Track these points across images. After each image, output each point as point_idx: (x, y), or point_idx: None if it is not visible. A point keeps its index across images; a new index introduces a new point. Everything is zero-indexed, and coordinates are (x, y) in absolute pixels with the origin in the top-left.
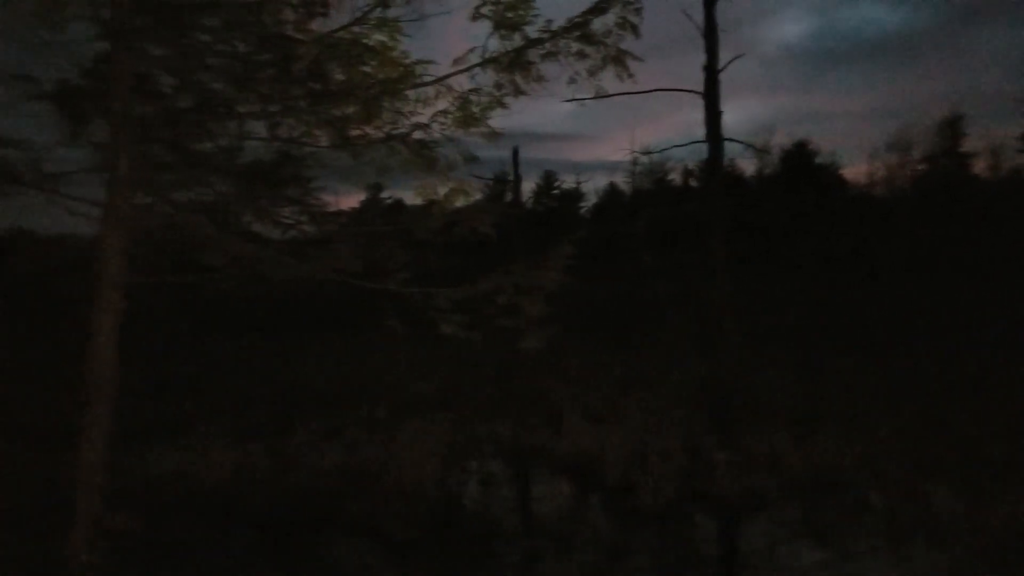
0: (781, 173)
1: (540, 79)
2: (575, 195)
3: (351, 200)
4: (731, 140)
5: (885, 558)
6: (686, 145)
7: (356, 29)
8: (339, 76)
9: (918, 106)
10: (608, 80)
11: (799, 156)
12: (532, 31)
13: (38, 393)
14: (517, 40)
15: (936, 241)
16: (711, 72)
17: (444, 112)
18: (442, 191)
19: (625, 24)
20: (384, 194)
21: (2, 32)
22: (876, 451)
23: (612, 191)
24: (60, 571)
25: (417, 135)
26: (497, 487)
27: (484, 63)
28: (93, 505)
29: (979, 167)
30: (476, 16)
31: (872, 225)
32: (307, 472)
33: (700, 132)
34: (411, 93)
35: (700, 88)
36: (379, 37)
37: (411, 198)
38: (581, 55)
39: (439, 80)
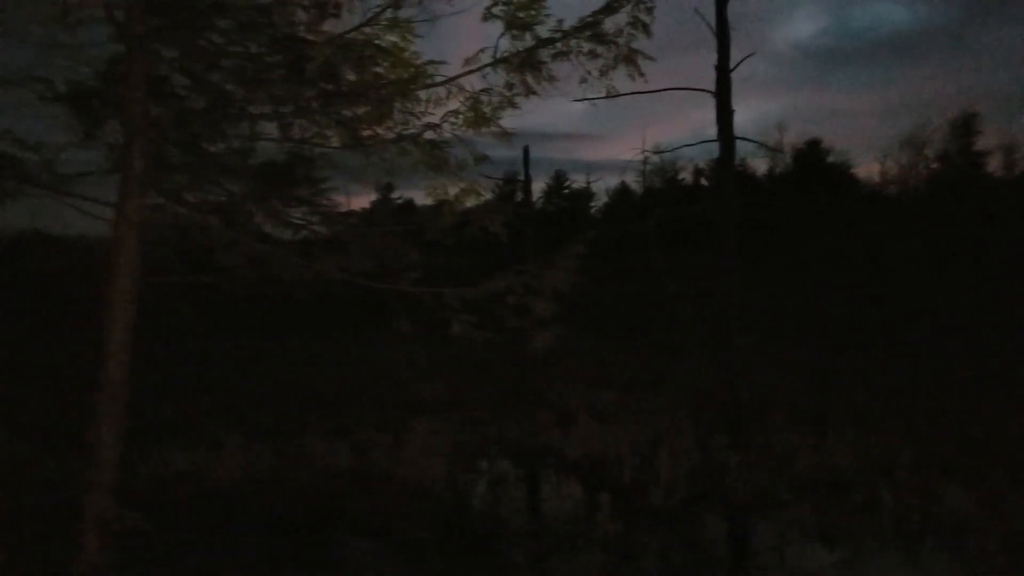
0: (793, 172)
1: (551, 79)
2: (586, 195)
3: (362, 200)
4: (743, 139)
5: (897, 558)
6: (697, 144)
7: (368, 30)
8: (351, 77)
9: (931, 104)
10: (619, 79)
11: (811, 155)
12: (543, 31)
13: (50, 393)
14: (528, 40)
15: (949, 240)
16: (722, 71)
17: (455, 112)
18: (453, 191)
19: (637, 23)
20: (395, 194)
21: (18, 35)
22: (888, 451)
23: (623, 191)
24: (69, 571)
25: (428, 135)
26: (505, 487)
27: (495, 63)
28: (103, 505)
29: (993, 165)
30: (487, 16)
31: (885, 224)
32: (315, 472)
33: (711, 131)
34: (422, 93)
35: (711, 87)
36: (391, 38)
37: (422, 198)
38: (592, 55)
39: (450, 80)
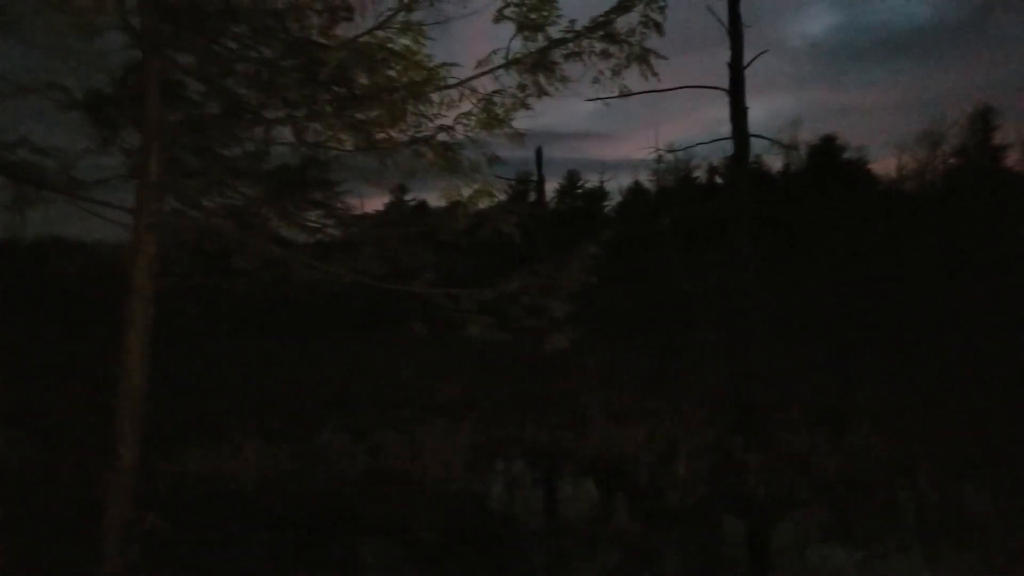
0: (808, 169)
1: (564, 79)
2: (599, 194)
3: (375, 203)
4: (757, 136)
5: (916, 558)
6: (711, 142)
7: (380, 33)
8: (364, 80)
9: (948, 99)
10: (632, 78)
11: (826, 151)
12: (555, 32)
13: (69, 396)
14: (540, 41)
15: (968, 236)
16: (736, 68)
17: (468, 114)
18: (466, 193)
19: (649, 22)
20: (408, 196)
21: (36, 43)
22: (907, 450)
23: (636, 189)
24: (90, 572)
25: (441, 137)
26: (521, 488)
27: (507, 65)
28: (124, 506)
29: (1011, 160)
30: (499, 18)
31: (902, 220)
32: (333, 473)
33: (725, 129)
34: (435, 96)
35: (725, 84)
36: (403, 41)
37: (435, 200)
38: (605, 54)
39: (463, 82)
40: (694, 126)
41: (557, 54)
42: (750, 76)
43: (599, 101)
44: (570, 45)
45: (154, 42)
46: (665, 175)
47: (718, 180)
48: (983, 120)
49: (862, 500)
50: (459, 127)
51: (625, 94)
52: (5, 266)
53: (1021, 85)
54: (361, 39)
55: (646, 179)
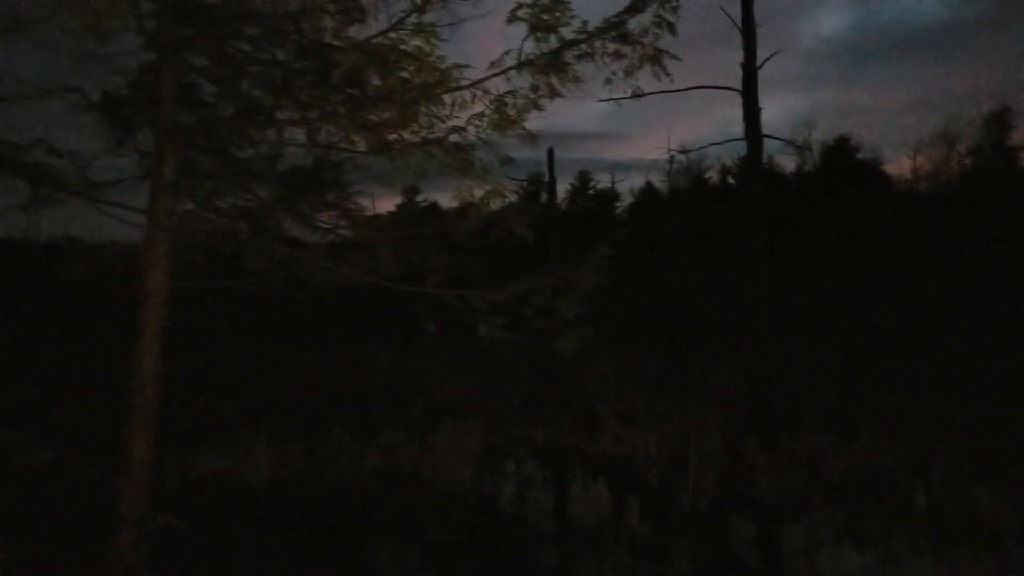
0: (822, 169)
1: (576, 80)
2: (611, 195)
3: (387, 204)
4: (770, 137)
5: (930, 562)
6: (724, 143)
7: (393, 35)
8: (376, 82)
9: (963, 99)
10: (644, 79)
11: (840, 152)
12: (568, 32)
13: (83, 396)
14: (553, 42)
15: (983, 237)
16: (749, 69)
17: (480, 115)
18: (478, 194)
19: (662, 23)
20: (420, 197)
21: (52, 46)
22: (920, 452)
23: (648, 190)
24: (104, 571)
25: (453, 139)
26: (533, 489)
27: (520, 66)
28: (138, 507)
29: None
30: (512, 19)
31: (916, 221)
32: (344, 473)
33: (738, 129)
34: (447, 97)
35: (738, 85)
36: (416, 42)
37: (447, 201)
38: (617, 55)
39: (475, 84)
40: (707, 126)
41: (570, 55)
42: (763, 76)
43: (611, 102)
44: (583, 46)
45: (168, 45)
46: (677, 176)
47: (731, 181)
48: (999, 120)
49: (874, 502)
50: (471, 128)
51: (638, 95)
52: (20, 266)
53: None
54: (374, 41)
55: (658, 180)
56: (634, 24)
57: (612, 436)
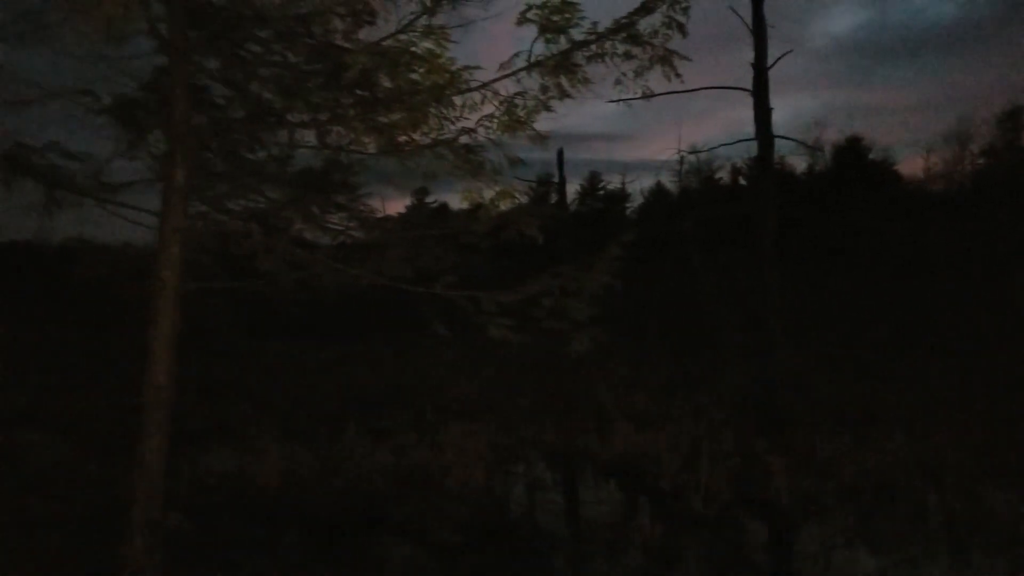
0: (833, 169)
1: (586, 81)
2: (621, 196)
3: (397, 205)
4: (781, 137)
5: (944, 565)
6: (735, 143)
7: (403, 37)
8: (387, 84)
9: (976, 98)
10: (655, 79)
11: (852, 152)
12: (578, 34)
13: (96, 397)
14: (563, 43)
15: (996, 236)
16: (760, 69)
17: (490, 116)
18: (488, 195)
19: (672, 24)
20: (429, 198)
21: (65, 49)
22: (934, 454)
23: (658, 191)
24: (116, 572)
25: (463, 140)
26: (544, 491)
27: (530, 67)
28: (151, 507)
29: None
30: (522, 20)
31: (928, 222)
32: (355, 474)
33: (748, 129)
34: (457, 98)
35: (748, 85)
36: (426, 44)
37: (457, 202)
38: (628, 56)
39: (485, 85)
40: (717, 127)
41: (580, 56)
42: (774, 76)
43: (621, 102)
44: (593, 47)
45: (181, 48)
46: (688, 176)
47: (741, 181)
48: (1012, 119)
49: (888, 504)
50: (481, 129)
51: (648, 95)
52: (33, 268)
53: None
54: (384, 43)
55: (668, 180)
56: (644, 25)
57: (623, 437)
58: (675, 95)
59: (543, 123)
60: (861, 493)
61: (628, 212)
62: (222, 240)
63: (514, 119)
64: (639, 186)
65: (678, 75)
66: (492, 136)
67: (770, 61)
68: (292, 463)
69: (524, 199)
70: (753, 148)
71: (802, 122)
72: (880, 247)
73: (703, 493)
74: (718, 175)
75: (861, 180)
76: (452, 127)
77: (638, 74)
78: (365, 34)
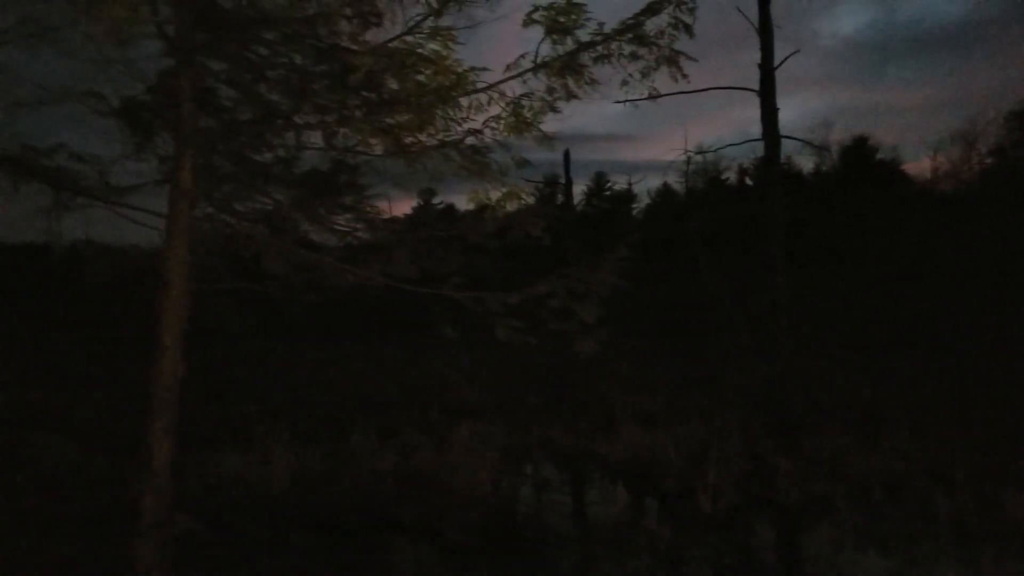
0: (840, 170)
1: (592, 82)
2: (627, 196)
3: (403, 206)
4: (788, 137)
5: (954, 565)
6: (741, 144)
7: (410, 39)
8: (393, 85)
9: (984, 97)
10: (661, 80)
11: (859, 152)
12: (584, 35)
13: (104, 399)
14: (569, 44)
15: (1004, 236)
16: (766, 69)
17: (496, 117)
18: (494, 196)
19: (678, 24)
20: (436, 199)
21: (72, 52)
22: (943, 455)
23: (665, 191)
24: (125, 573)
25: (470, 141)
26: (551, 491)
27: (536, 68)
28: (159, 509)
29: None
30: (528, 22)
31: (936, 222)
32: (364, 475)
33: (755, 130)
34: (464, 100)
35: (755, 85)
36: (432, 46)
37: (463, 203)
38: (634, 57)
39: (492, 86)
40: (724, 127)
41: (586, 57)
42: (781, 76)
43: (628, 103)
44: (599, 48)
45: (187, 50)
46: (694, 177)
47: (748, 182)
48: (1020, 119)
49: (897, 505)
50: (488, 131)
51: (654, 96)
52: (41, 271)
53: None
54: (391, 45)
55: (675, 181)
56: (650, 26)
57: (630, 438)
58: (681, 96)
59: (549, 124)
60: (869, 493)
61: (634, 213)
62: (229, 241)
63: (520, 120)
64: (645, 187)
65: (684, 76)
66: (498, 137)
67: (777, 61)
68: (300, 464)
69: (530, 200)
70: (760, 148)
71: (809, 122)
72: (887, 247)
73: (710, 494)
74: (725, 175)
75: (868, 180)
76: (458, 128)
77: (644, 75)
78: (372, 36)
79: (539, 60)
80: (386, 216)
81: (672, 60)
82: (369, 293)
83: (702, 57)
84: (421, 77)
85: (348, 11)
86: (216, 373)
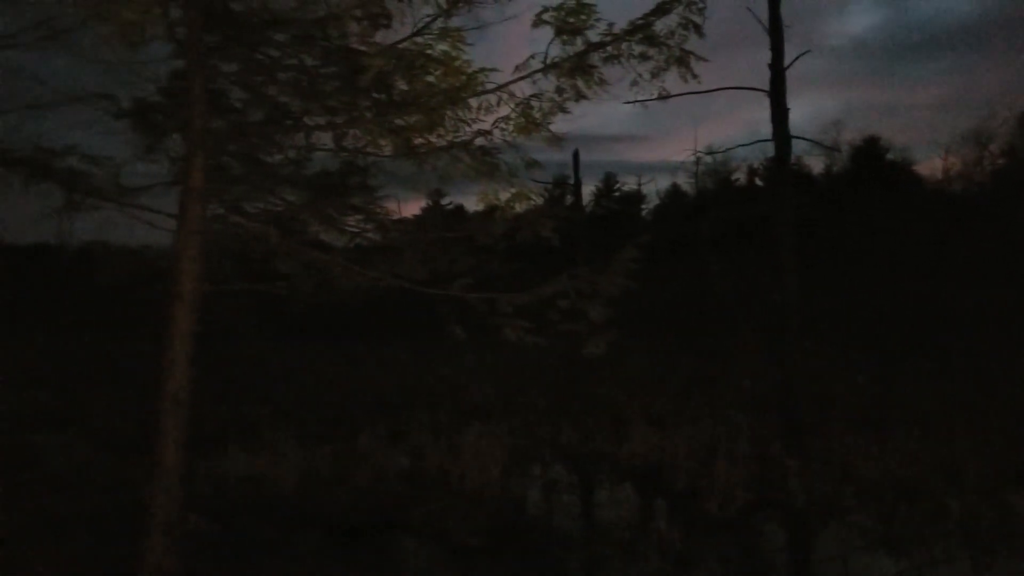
0: (851, 170)
1: (602, 82)
2: (637, 197)
3: (413, 207)
4: (798, 138)
5: (965, 568)
6: (751, 144)
7: (419, 40)
8: (403, 86)
9: (996, 97)
10: (671, 80)
11: (870, 152)
12: (594, 35)
13: (116, 399)
14: (579, 45)
15: (1017, 238)
16: (777, 69)
17: (506, 118)
18: (504, 196)
19: (688, 24)
20: (445, 200)
21: (84, 54)
22: (954, 456)
23: (675, 192)
24: (135, 572)
25: (479, 142)
26: (560, 492)
27: (546, 68)
28: (169, 509)
29: None
30: (538, 22)
31: (948, 223)
32: (372, 476)
33: (765, 130)
34: (473, 101)
35: (765, 85)
36: (442, 47)
37: (473, 204)
38: (644, 57)
39: (501, 87)
40: (733, 127)
41: (595, 57)
42: (791, 76)
43: (637, 104)
44: (609, 48)
45: (198, 52)
46: (704, 178)
47: (758, 182)
48: None
49: (907, 507)
50: (497, 131)
51: (664, 96)
52: (54, 271)
53: None
54: (400, 46)
55: (685, 182)
56: (660, 26)
57: (639, 439)
58: (691, 96)
59: (559, 125)
60: (880, 496)
61: (644, 213)
62: (239, 242)
63: (530, 121)
64: (655, 187)
65: (694, 76)
66: (508, 138)
67: (787, 61)
68: (310, 465)
69: (540, 201)
70: (770, 149)
71: (820, 122)
72: (898, 248)
73: (720, 495)
74: (735, 176)
75: (879, 180)
76: (468, 129)
77: (654, 75)
78: (381, 37)
79: (549, 61)
80: (395, 217)
81: (682, 60)
82: (379, 294)
83: (712, 57)
84: (431, 78)
85: (358, 12)
86: (226, 373)
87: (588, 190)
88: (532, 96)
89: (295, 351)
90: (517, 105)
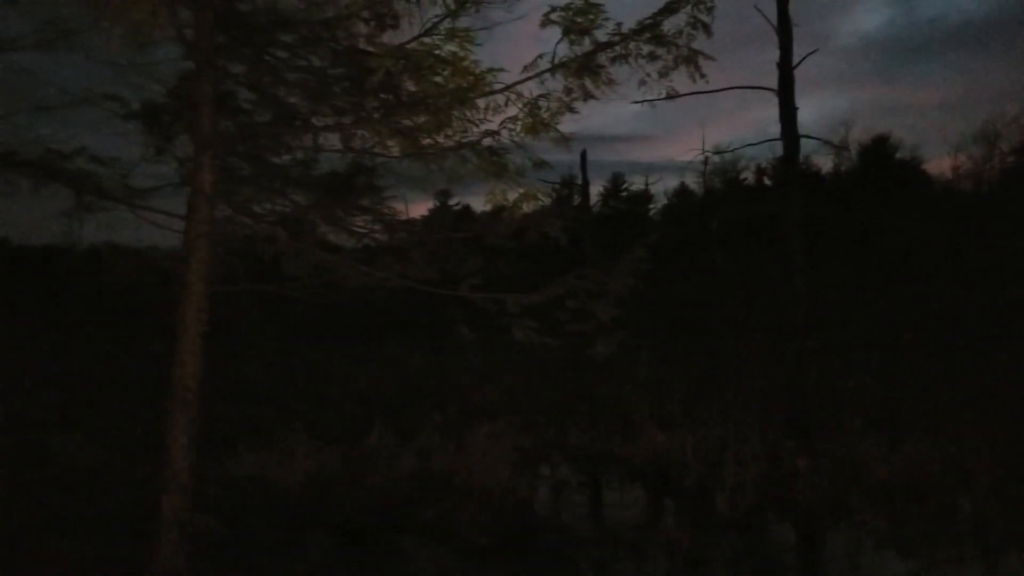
0: (859, 169)
1: (610, 82)
2: (644, 197)
3: (421, 208)
4: (807, 137)
5: (975, 569)
6: (760, 144)
7: (427, 40)
8: (411, 87)
9: (1005, 96)
10: (679, 80)
11: (878, 151)
12: (602, 35)
13: (125, 399)
14: (587, 44)
15: None
16: (785, 68)
17: (514, 119)
18: (511, 197)
19: (696, 24)
20: (453, 201)
21: (93, 55)
22: (964, 456)
23: (683, 192)
24: (145, 573)
25: (487, 142)
26: (569, 493)
27: (554, 68)
28: (179, 509)
29: None
30: (545, 22)
31: (957, 222)
32: (381, 476)
33: (773, 129)
34: (481, 101)
35: (773, 84)
36: (450, 47)
37: (480, 204)
38: (652, 57)
39: (509, 87)
40: (742, 126)
41: (603, 57)
42: (800, 75)
43: (645, 103)
44: (617, 48)
45: (207, 53)
46: (712, 177)
47: (766, 182)
48: None
49: (917, 508)
50: (505, 132)
51: (672, 96)
52: (63, 273)
53: None
54: (408, 46)
55: (693, 181)
56: (668, 25)
57: (648, 439)
58: (699, 95)
59: (567, 125)
60: (890, 496)
61: (652, 213)
62: (248, 243)
63: (538, 121)
64: (663, 187)
65: (703, 75)
66: (515, 138)
67: (796, 60)
68: (317, 465)
69: (547, 201)
70: (778, 148)
71: (828, 121)
72: (907, 247)
73: (729, 495)
74: (743, 175)
75: (887, 179)
76: (476, 129)
77: (662, 75)
78: (389, 38)
79: (556, 60)
80: (403, 217)
81: (690, 59)
82: (387, 294)
83: (720, 56)
84: (438, 78)
85: (365, 13)
86: (234, 374)
87: (596, 190)
88: (540, 96)
89: (303, 352)
90: (525, 105)
